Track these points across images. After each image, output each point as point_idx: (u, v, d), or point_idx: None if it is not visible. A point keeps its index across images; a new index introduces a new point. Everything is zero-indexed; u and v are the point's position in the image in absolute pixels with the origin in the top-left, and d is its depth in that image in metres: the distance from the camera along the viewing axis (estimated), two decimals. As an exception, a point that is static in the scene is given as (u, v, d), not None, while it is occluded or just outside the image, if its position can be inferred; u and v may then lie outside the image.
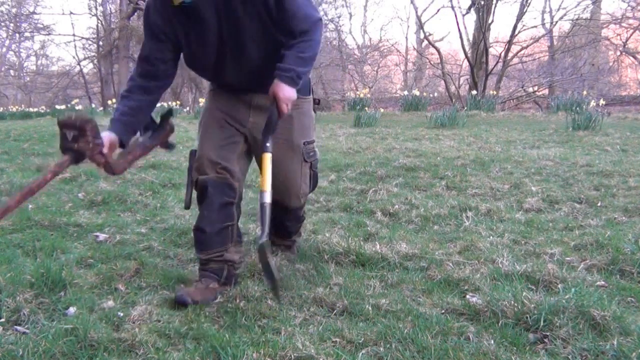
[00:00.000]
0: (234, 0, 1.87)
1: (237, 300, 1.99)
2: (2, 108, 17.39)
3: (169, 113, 2.18)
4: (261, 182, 1.99)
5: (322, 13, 20.40)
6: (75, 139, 1.81)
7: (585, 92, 11.62)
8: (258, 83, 2.04)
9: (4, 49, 25.25)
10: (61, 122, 1.83)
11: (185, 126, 7.99)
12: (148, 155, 2.21)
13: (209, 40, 1.96)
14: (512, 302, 1.83)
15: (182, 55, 2.06)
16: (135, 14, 20.76)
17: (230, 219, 2.13)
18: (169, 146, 2.16)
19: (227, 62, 2.02)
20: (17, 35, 24.52)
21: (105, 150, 1.86)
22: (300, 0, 1.94)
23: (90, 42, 24.05)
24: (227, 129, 2.14)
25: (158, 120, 2.16)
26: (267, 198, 1.97)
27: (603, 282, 2.13)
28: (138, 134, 2.14)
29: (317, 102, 2.38)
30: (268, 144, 1.98)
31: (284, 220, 2.37)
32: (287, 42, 1.95)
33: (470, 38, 16.25)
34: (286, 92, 1.93)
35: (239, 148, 2.15)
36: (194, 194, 2.17)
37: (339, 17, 21.73)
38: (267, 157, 1.98)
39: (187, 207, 2.22)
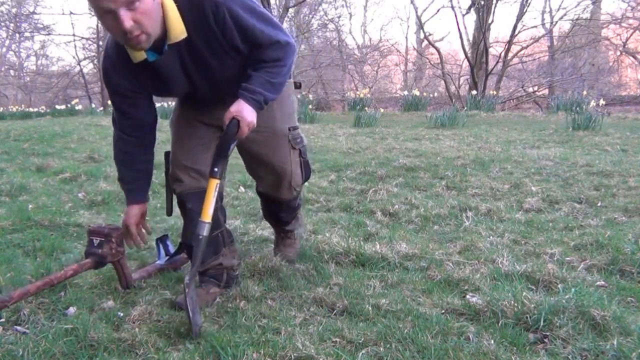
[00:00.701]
0: (199, 47, 1.75)
1: (237, 300, 1.99)
2: (2, 108, 17.38)
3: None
4: (203, 210, 1.79)
5: (322, 12, 20.52)
6: (101, 244, 1.98)
7: (585, 92, 11.62)
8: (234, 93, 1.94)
9: (4, 49, 25.26)
10: (90, 229, 2.02)
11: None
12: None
13: (178, 86, 1.87)
14: (512, 302, 1.83)
15: None
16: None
17: (217, 226, 2.03)
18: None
19: (200, 93, 1.93)
20: (17, 35, 24.52)
21: (133, 222, 1.99)
22: (269, 31, 1.79)
23: (90, 42, 24.06)
24: (200, 128, 2.01)
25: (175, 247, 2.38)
26: (205, 230, 1.79)
27: (603, 282, 2.13)
28: (158, 259, 2.38)
29: (297, 85, 2.26)
30: (216, 169, 1.79)
31: (278, 211, 2.31)
32: (257, 62, 1.82)
33: (470, 38, 16.26)
34: (250, 116, 1.77)
35: (214, 146, 1.98)
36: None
37: (339, 17, 21.73)
38: (213, 184, 1.78)
39: (169, 213, 2.10)
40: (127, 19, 1.53)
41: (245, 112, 1.76)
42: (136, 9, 1.54)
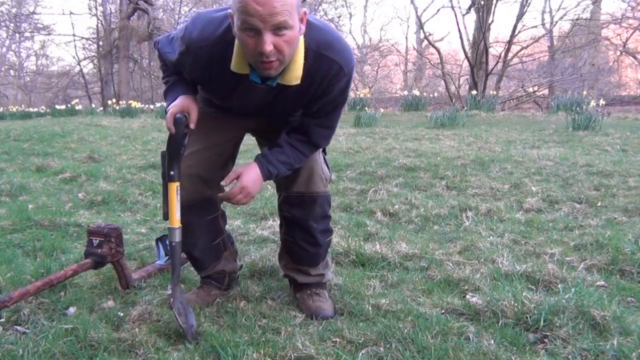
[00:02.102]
0: (291, 93, 1.68)
1: (237, 300, 1.99)
2: (2, 108, 17.39)
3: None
4: (170, 216, 1.72)
5: (322, 13, 20.53)
6: (100, 245, 1.98)
7: (585, 92, 11.62)
8: (278, 122, 1.88)
9: (4, 49, 25.29)
10: (90, 229, 2.01)
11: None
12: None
13: (240, 104, 1.78)
14: (512, 302, 1.83)
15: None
16: (135, 13, 20.78)
17: (218, 233, 2.00)
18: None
19: (252, 114, 1.86)
20: (17, 35, 24.56)
21: (193, 124, 1.73)
22: (337, 117, 1.80)
23: (90, 42, 24.11)
24: (218, 135, 1.88)
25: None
26: (177, 236, 1.73)
27: (603, 282, 2.13)
28: (157, 260, 2.38)
29: None
30: (172, 172, 1.70)
31: (309, 219, 1.94)
32: (302, 127, 1.79)
33: (470, 38, 16.26)
34: (254, 187, 1.72)
35: (225, 152, 1.93)
36: None
37: (339, 17, 21.73)
38: (173, 187, 1.71)
39: (166, 217, 1.96)
40: (269, 42, 1.45)
41: (251, 182, 1.72)
42: (282, 35, 1.46)
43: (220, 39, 1.61)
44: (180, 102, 1.71)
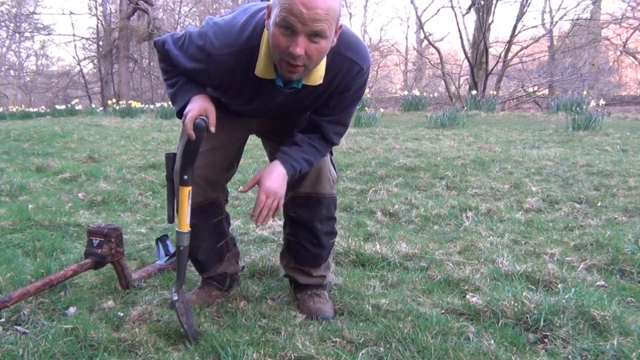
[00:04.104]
0: (309, 93, 1.68)
1: (237, 300, 1.99)
2: (2, 108, 17.38)
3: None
4: (179, 220, 1.70)
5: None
6: (100, 245, 1.99)
7: (585, 92, 11.62)
8: (284, 120, 1.87)
9: (4, 49, 25.29)
10: (90, 229, 2.02)
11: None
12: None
13: (254, 106, 1.75)
14: (512, 302, 1.83)
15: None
16: (135, 13, 20.78)
17: (222, 236, 2.00)
18: None
19: (262, 115, 1.86)
20: (17, 35, 24.57)
21: (212, 122, 1.64)
22: (351, 115, 1.82)
23: (90, 42, 24.13)
24: (216, 137, 1.78)
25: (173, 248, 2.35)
26: (186, 240, 1.72)
27: (603, 282, 2.13)
28: (157, 260, 2.39)
29: None
30: (186, 177, 1.66)
31: (314, 220, 1.94)
32: (315, 125, 1.77)
33: (470, 38, 16.25)
34: (280, 186, 1.67)
35: (231, 153, 1.93)
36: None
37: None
38: (186, 192, 1.67)
39: (170, 220, 1.89)
40: (302, 46, 1.45)
41: (275, 183, 1.66)
42: (316, 42, 1.46)
43: (244, 45, 1.59)
44: (198, 104, 1.63)
